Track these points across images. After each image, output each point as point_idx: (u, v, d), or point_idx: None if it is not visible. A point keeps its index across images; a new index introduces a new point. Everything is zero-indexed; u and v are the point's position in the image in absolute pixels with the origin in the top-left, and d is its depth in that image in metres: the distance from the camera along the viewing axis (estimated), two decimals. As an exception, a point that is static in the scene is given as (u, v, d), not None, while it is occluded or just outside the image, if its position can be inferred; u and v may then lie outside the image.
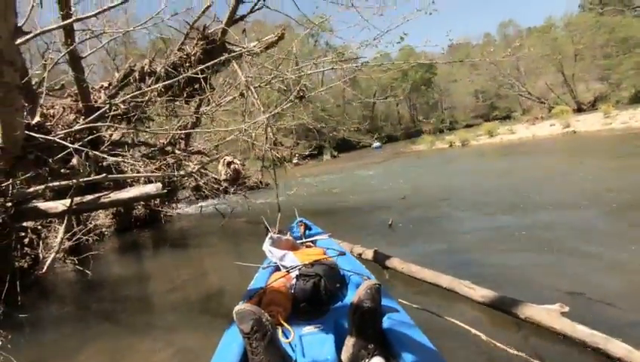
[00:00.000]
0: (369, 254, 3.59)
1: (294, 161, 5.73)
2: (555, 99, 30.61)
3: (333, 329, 1.53)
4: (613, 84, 28.13)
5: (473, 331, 2.11)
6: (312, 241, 2.95)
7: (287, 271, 1.99)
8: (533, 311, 2.15)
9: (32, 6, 2.31)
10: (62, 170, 3.10)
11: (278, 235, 2.59)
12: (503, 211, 5.13)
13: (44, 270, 3.10)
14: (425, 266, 3.09)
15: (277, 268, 2.22)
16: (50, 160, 3.12)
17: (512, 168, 9.64)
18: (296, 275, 1.90)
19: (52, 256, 3.13)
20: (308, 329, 1.52)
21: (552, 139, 15.52)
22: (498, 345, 1.99)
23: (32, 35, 2.34)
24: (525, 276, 2.96)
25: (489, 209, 5.40)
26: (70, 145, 2.85)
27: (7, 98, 1.93)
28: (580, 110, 26.47)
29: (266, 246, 2.34)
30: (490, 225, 4.64)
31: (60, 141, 2.88)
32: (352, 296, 1.54)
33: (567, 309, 2.08)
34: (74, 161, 2.97)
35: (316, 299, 1.75)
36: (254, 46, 5.26)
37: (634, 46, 26.35)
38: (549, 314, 2.08)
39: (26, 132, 2.73)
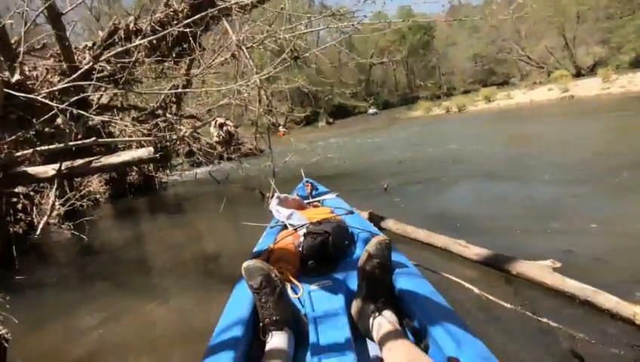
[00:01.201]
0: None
1: (281, 129, 5.51)
2: (554, 63, 29.99)
3: (342, 284, 1.52)
4: (614, 47, 27.48)
5: (466, 285, 2.15)
6: (319, 201, 2.92)
7: (295, 230, 1.97)
8: (525, 267, 2.19)
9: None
10: (46, 130, 2.99)
11: (285, 195, 2.52)
12: (497, 175, 5.15)
13: (38, 232, 3.08)
14: (420, 227, 3.12)
15: (284, 227, 2.19)
16: (35, 120, 3.01)
17: (508, 133, 9.60)
18: (304, 233, 1.87)
19: (44, 219, 3.10)
20: (317, 284, 1.52)
21: (550, 104, 15.37)
22: (490, 298, 2.03)
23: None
24: (520, 236, 3.00)
25: (484, 173, 5.41)
26: (54, 104, 2.74)
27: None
28: (579, 75, 26.04)
29: (273, 205, 2.30)
30: (484, 188, 4.67)
31: (43, 100, 2.76)
32: (360, 253, 1.52)
33: (559, 265, 2.12)
34: (59, 120, 2.85)
35: (325, 256, 1.73)
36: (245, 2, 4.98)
37: (638, 7, 25.49)
38: (540, 270, 2.12)
39: (6, 90, 2.61)
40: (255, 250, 2.00)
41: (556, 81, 19.23)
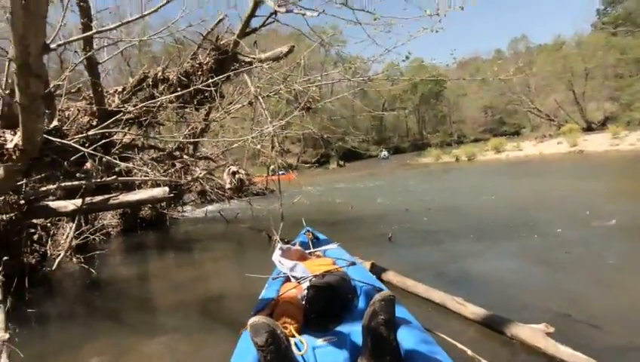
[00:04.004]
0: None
1: (280, 172, 5.60)
2: (564, 117, 30.48)
3: (346, 340, 1.52)
4: (624, 104, 27.92)
5: (459, 346, 2.17)
6: (321, 251, 2.95)
7: (298, 282, 2.01)
8: (519, 330, 2.22)
9: (60, 26, 2.49)
10: (77, 174, 3.25)
11: (288, 246, 2.56)
12: (502, 230, 5.18)
13: (53, 267, 3.23)
14: (420, 280, 3.17)
15: (287, 279, 2.21)
16: (65, 162, 3.28)
17: (516, 186, 9.65)
18: (308, 286, 1.89)
19: (61, 254, 3.27)
20: (321, 341, 1.52)
21: (559, 158, 15.46)
22: (483, 361, 2.06)
23: (55, 46, 2.49)
24: (518, 295, 3.02)
25: (489, 226, 5.44)
26: (84, 149, 3.01)
27: (32, 106, 2.09)
28: (589, 129, 26.30)
29: (276, 256, 2.32)
30: (488, 242, 4.69)
31: (76, 145, 3.03)
32: (363, 307, 1.52)
33: (552, 330, 2.14)
34: (88, 165, 3.11)
35: (328, 310, 1.75)
36: (264, 59, 5.43)
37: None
38: (534, 334, 2.15)
39: (44, 135, 2.90)
40: (259, 301, 2.04)
41: (566, 134, 19.45)
